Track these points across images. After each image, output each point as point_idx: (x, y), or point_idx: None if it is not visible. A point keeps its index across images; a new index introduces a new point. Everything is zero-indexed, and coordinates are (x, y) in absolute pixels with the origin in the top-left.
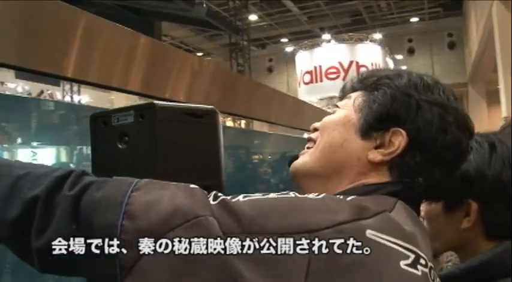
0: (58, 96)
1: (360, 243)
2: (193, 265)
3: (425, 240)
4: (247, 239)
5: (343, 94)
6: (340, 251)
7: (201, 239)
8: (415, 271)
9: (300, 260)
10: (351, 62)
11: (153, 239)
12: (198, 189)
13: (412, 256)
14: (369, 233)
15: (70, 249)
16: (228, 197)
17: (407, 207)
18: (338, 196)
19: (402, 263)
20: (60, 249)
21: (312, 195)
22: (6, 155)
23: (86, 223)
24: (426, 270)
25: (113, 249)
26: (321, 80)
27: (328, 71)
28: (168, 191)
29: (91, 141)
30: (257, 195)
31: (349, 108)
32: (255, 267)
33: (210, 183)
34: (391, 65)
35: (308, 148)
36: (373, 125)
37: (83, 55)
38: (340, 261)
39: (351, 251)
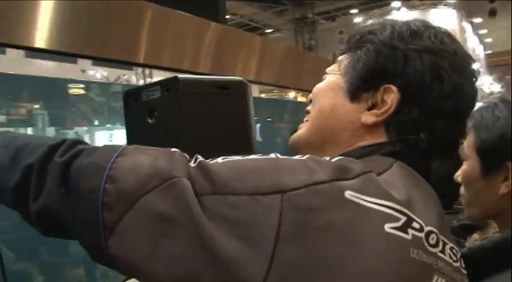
0: (134, 79)
1: (336, 204)
2: (168, 226)
3: (427, 203)
4: (219, 200)
5: (334, 59)
6: (313, 213)
7: (175, 200)
8: (403, 234)
9: (270, 220)
10: None
11: (132, 201)
12: (178, 153)
13: (403, 218)
14: (349, 194)
15: (60, 213)
16: (208, 160)
17: (406, 168)
18: (325, 158)
19: (387, 226)
20: (49, 213)
21: (295, 157)
22: None
23: (74, 188)
24: (421, 234)
25: (94, 211)
26: None
27: None
28: (150, 155)
29: (125, 117)
30: (236, 157)
31: (336, 73)
32: (224, 228)
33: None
34: (468, 29)
35: (306, 121)
36: (361, 86)
37: (153, 43)
38: (313, 222)
39: (326, 212)
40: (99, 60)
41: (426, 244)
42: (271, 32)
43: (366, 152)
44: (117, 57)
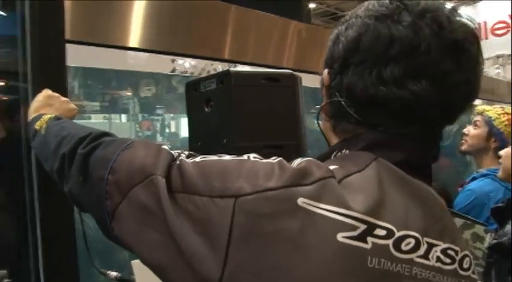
0: (220, 69)
1: (287, 212)
2: (149, 216)
3: (409, 204)
4: (186, 198)
5: None
6: (264, 219)
7: (152, 194)
8: (360, 244)
9: (223, 222)
10: None
11: (125, 191)
12: (165, 151)
13: (362, 227)
14: (302, 201)
15: (79, 196)
16: (188, 159)
17: (386, 166)
18: (295, 161)
19: (341, 235)
20: (74, 196)
21: (268, 160)
22: None
23: (89, 176)
24: (387, 241)
25: (101, 198)
26: (486, 37)
27: (494, 26)
28: (145, 151)
29: (186, 106)
30: (211, 157)
31: None
32: (190, 223)
33: (287, 144)
34: None
35: None
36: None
37: (237, 40)
38: (263, 228)
39: (277, 219)
40: (187, 57)
41: (394, 251)
42: None
43: (344, 146)
44: (204, 54)
